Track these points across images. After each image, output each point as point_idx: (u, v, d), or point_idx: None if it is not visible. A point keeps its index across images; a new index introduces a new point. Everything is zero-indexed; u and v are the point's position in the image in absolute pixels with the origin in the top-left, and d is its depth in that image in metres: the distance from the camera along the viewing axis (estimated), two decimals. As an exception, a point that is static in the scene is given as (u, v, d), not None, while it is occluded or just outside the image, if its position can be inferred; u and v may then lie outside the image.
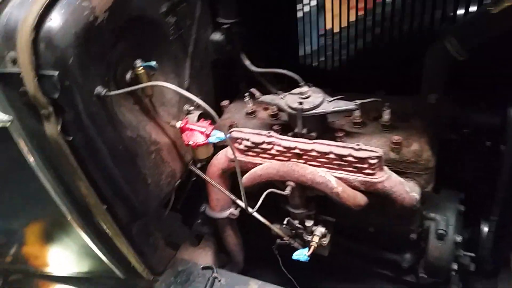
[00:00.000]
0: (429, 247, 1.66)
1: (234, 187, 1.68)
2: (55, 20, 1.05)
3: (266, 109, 1.77)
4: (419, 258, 1.78)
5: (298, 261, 1.60)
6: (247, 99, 1.73)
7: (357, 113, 1.57)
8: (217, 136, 1.39)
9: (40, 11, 1.03)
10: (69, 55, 1.06)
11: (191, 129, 1.41)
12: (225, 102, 1.85)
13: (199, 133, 1.40)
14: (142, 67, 1.27)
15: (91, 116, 1.16)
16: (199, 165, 1.65)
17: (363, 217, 1.67)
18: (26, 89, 1.06)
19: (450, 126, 1.58)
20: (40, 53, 1.04)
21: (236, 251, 2.00)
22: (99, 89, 1.15)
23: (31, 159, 1.22)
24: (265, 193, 1.49)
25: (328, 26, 1.75)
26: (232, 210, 1.82)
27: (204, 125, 1.42)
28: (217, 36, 1.70)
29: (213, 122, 1.49)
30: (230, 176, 1.72)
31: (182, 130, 1.42)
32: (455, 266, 1.67)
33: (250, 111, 1.76)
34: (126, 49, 1.27)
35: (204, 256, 1.91)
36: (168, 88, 1.23)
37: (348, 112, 1.58)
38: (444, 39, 1.39)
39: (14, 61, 1.05)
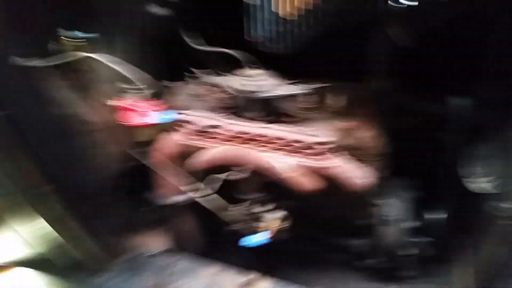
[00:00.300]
0: (378, 232, 1.65)
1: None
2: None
3: (212, 92, 1.69)
4: (373, 244, 1.77)
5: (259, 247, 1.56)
6: (189, 80, 1.64)
7: (308, 99, 1.52)
8: (162, 117, 1.29)
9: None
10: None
11: (129, 109, 1.30)
12: (166, 83, 1.75)
13: (138, 113, 1.30)
14: (67, 38, 1.16)
15: (8, 89, 1.05)
16: (139, 148, 1.55)
17: (315, 203, 1.65)
18: None
19: (397, 114, 1.56)
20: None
21: (189, 236, 1.93)
22: (17, 59, 1.03)
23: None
24: (222, 179, 1.42)
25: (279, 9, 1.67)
26: (180, 196, 1.74)
27: (145, 105, 1.32)
28: (156, 10, 1.59)
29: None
30: (176, 161, 1.64)
31: (119, 109, 1.31)
32: (407, 251, 1.67)
33: (194, 93, 1.67)
34: (56, 18, 1.15)
35: (157, 242, 1.83)
36: (101, 64, 1.13)
37: (299, 98, 1.53)
38: (385, 25, 1.36)
39: None
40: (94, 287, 1.62)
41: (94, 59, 1.20)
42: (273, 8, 1.60)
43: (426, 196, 1.72)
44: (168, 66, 1.71)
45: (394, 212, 1.63)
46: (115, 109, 1.34)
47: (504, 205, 1.26)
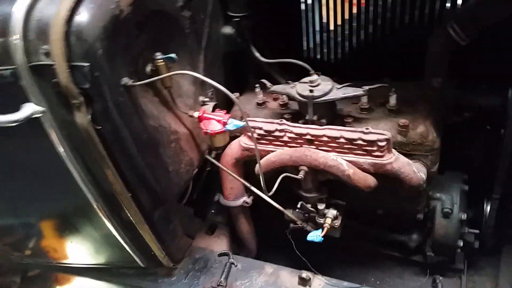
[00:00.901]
0: (435, 225, 1.74)
1: (246, 176, 1.76)
2: (84, 14, 1.12)
3: (275, 99, 1.84)
4: (425, 237, 1.86)
5: (309, 246, 1.66)
6: (257, 90, 1.80)
7: (364, 99, 1.65)
8: (234, 123, 1.45)
9: (71, 6, 1.10)
10: (98, 47, 1.13)
11: (209, 118, 1.47)
12: (235, 94, 1.92)
13: (216, 121, 1.46)
14: (162, 59, 1.34)
15: (118, 105, 1.23)
16: (213, 154, 1.72)
17: (373, 199, 1.75)
18: (58, 80, 1.12)
19: (453, 110, 1.66)
20: (71, 46, 1.10)
21: (249, 238, 2.07)
22: (125, 80, 1.22)
23: (61, 149, 1.28)
24: (281, 176, 1.56)
25: (330, 19, 1.84)
26: (245, 198, 1.89)
27: (221, 114, 1.48)
28: (227, 29, 1.77)
29: (228, 110, 1.56)
30: (243, 166, 1.80)
31: (200, 119, 1.48)
32: (460, 243, 1.75)
33: (261, 101, 1.83)
34: (147, 42, 1.34)
35: (219, 244, 1.97)
36: (184, 80, 1.30)
37: (355, 99, 1.66)
38: (446, 25, 1.46)
39: (47, 54, 1.12)
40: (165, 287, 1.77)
41: (180, 76, 1.37)
42: (329, 20, 1.76)
43: (482, 189, 1.81)
44: (238, 79, 1.89)
45: (452, 205, 1.72)
46: (197, 119, 1.50)
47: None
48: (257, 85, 1.79)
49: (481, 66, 1.63)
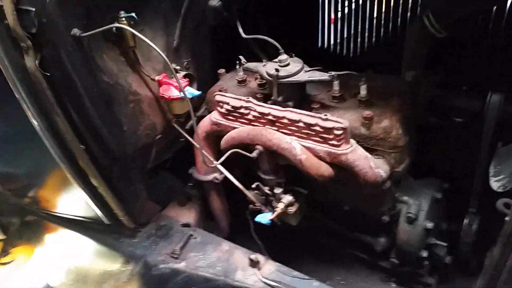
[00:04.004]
0: (398, 230, 1.64)
1: (220, 152, 1.76)
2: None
3: (256, 78, 1.82)
4: (392, 243, 1.75)
5: (280, 234, 1.63)
6: (238, 67, 1.79)
7: (336, 87, 1.58)
8: (190, 91, 1.46)
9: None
10: (47, -7, 1.18)
11: (168, 83, 1.49)
12: (221, 70, 1.92)
13: (174, 87, 1.48)
14: (124, 18, 1.38)
15: (68, 55, 1.28)
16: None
17: (335, 192, 1.69)
18: (7, 22, 1.20)
19: (430, 109, 1.55)
20: (19, -11, 1.17)
21: (220, 216, 2.07)
22: (75, 30, 1.27)
23: (18, 94, 1.36)
24: (230, 151, 1.55)
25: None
26: (216, 174, 1.90)
27: (180, 81, 1.50)
28: (214, 2, 1.77)
29: (191, 80, 1.58)
30: (216, 140, 1.80)
31: (160, 83, 1.51)
32: (424, 254, 1.63)
33: (241, 79, 1.82)
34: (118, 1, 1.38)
35: (187, 216, 1.99)
36: (155, 44, 1.32)
37: (328, 86, 1.60)
38: (422, 15, 1.37)
39: (0, -5, 1.19)
40: (125, 246, 1.82)
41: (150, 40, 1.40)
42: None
43: (455, 197, 1.67)
44: (229, 56, 1.88)
45: (418, 211, 1.61)
46: (157, 83, 1.53)
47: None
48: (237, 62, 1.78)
49: (463, 65, 1.50)
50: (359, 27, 1.78)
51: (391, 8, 1.69)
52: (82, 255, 2.04)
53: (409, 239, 1.62)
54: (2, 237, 2.46)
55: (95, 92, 1.39)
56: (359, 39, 1.81)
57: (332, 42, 2.00)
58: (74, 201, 1.86)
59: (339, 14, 1.83)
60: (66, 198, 1.94)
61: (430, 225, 1.59)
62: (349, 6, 1.76)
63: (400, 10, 1.68)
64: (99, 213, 1.78)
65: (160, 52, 1.32)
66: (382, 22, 1.72)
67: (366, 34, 1.78)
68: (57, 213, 2.08)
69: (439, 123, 1.56)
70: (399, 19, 1.69)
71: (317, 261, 2.02)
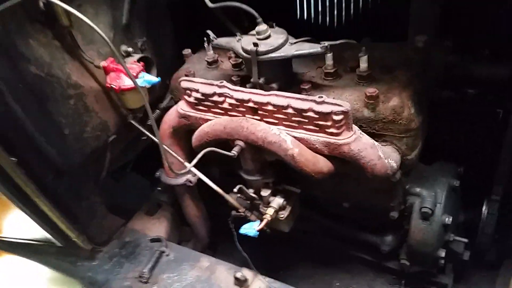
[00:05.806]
0: (411, 228, 1.38)
1: (192, 150, 1.44)
2: None
3: (230, 57, 1.50)
4: (401, 241, 1.50)
5: (271, 239, 1.38)
6: (206, 45, 1.47)
7: (329, 62, 1.28)
8: (145, 78, 1.13)
9: None
10: None
11: (117, 70, 1.15)
12: (187, 51, 1.59)
13: (125, 75, 1.14)
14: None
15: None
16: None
17: (335, 189, 1.41)
18: None
19: (445, 80, 1.27)
20: None
21: (198, 223, 1.78)
22: None
23: None
24: (204, 150, 1.24)
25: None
26: (189, 176, 1.59)
27: (132, 66, 1.16)
28: None
29: (148, 65, 1.25)
30: (186, 136, 1.48)
31: (106, 70, 1.17)
32: (442, 254, 1.38)
33: (211, 60, 1.50)
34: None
35: (157, 228, 1.71)
36: (98, 23, 1.00)
37: (321, 61, 1.30)
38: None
39: None
40: (83, 271, 1.53)
41: (92, 19, 1.06)
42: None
43: (482, 187, 1.42)
44: (183, 31, 1.55)
45: (433, 204, 1.35)
46: (103, 71, 1.19)
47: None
48: (207, 39, 1.45)
49: (483, 27, 1.23)
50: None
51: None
52: (35, 283, 1.71)
53: (425, 238, 1.36)
54: None
55: (21, 88, 1.05)
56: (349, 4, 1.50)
57: (313, 11, 1.68)
58: (18, 222, 1.53)
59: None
60: (9, 219, 1.61)
61: (448, 219, 1.34)
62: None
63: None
64: (47, 235, 1.47)
65: (98, 30, 0.98)
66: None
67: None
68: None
69: (452, 98, 1.29)
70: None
71: (314, 266, 1.77)
